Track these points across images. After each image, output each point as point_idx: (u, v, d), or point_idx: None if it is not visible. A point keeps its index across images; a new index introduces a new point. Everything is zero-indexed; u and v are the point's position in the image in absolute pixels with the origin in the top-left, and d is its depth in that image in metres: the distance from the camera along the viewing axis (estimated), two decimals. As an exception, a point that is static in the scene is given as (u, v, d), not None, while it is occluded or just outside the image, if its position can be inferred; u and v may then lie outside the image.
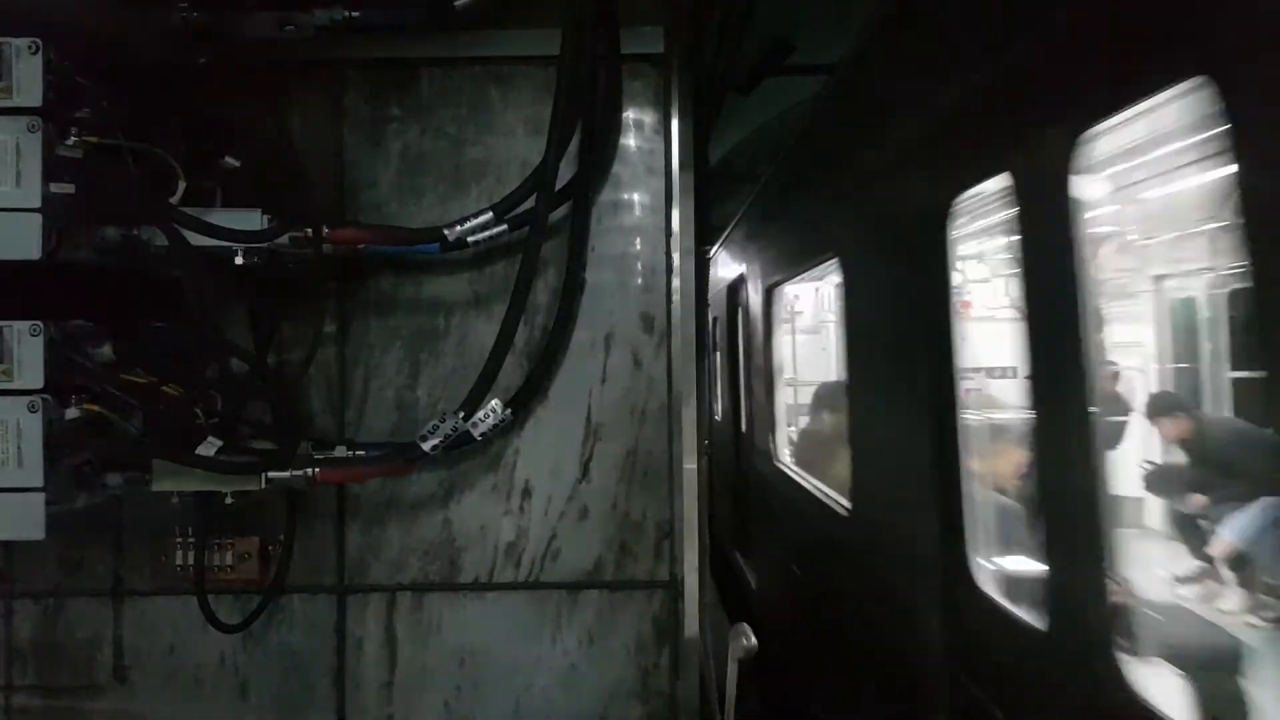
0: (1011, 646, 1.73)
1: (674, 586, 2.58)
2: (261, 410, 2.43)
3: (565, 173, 2.43)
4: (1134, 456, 4.45)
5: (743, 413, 6.06)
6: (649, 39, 2.58)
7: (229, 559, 2.50)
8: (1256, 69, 1.05)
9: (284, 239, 2.23)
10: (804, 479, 3.93)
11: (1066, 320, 1.42)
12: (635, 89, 2.62)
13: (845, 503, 2.97)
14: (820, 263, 3.40)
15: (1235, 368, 4.36)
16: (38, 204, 1.85)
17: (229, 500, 2.26)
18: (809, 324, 7.20)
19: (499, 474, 2.59)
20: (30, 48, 1.84)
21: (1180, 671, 2.32)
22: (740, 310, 5.97)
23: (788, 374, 6.09)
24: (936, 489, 2.04)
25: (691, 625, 2.56)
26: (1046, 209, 1.48)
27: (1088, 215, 1.42)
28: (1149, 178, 3.03)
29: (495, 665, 2.57)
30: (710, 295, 7.68)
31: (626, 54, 2.55)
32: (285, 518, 2.51)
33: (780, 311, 5.03)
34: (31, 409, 1.87)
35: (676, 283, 2.59)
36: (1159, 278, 4.62)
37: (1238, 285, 3.86)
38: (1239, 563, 3.54)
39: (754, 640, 2.66)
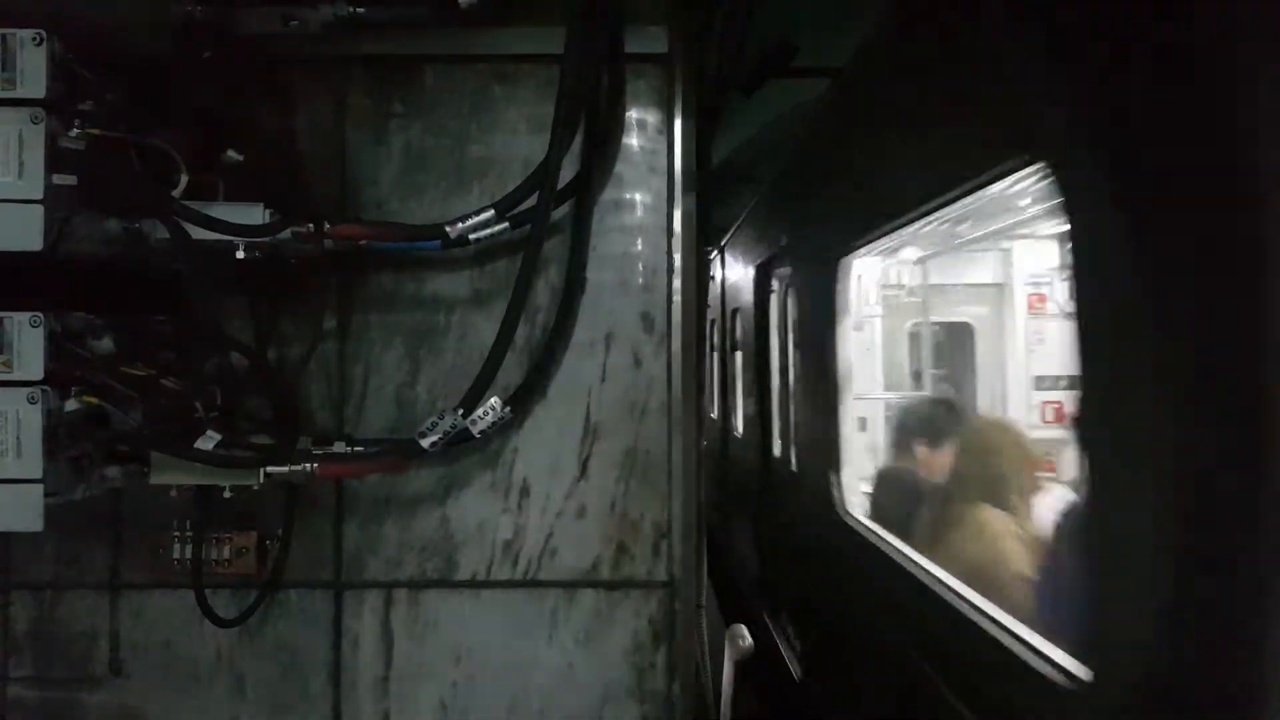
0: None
1: (672, 587, 2.58)
2: (261, 405, 2.44)
3: (567, 171, 2.44)
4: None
5: (777, 431, 4.93)
6: (653, 39, 2.58)
7: (226, 553, 2.50)
8: None
9: (285, 234, 2.23)
10: (898, 549, 2.70)
11: None
12: (638, 89, 2.62)
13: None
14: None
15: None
16: (40, 195, 1.85)
17: (227, 494, 2.26)
18: (909, 313, 5.76)
19: (497, 472, 2.59)
20: (34, 39, 1.84)
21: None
22: (778, 296, 4.79)
23: (871, 383, 5.06)
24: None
25: (688, 625, 2.56)
26: None
27: None
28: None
29: (491, 663, 2.57)
30: (728, 284, 6.84)
31: (630, 53, 2.55)
32: (283, 513, 2.51)
33: (853, 294, 3.58)
34: (31, 400, 1.87)
35: (677, 283, 2.59)
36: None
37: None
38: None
39: (750, 641, 2.67)
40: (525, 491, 2.59)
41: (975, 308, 5.92)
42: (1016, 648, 1.72)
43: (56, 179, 1.87)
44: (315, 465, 2.27)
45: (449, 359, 2.58)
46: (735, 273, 6.41)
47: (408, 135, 2.60)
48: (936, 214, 2.44)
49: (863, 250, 3.09)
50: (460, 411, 2.32)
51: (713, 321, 8.11)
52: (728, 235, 6.95)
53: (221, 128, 2.31)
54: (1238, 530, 1.13)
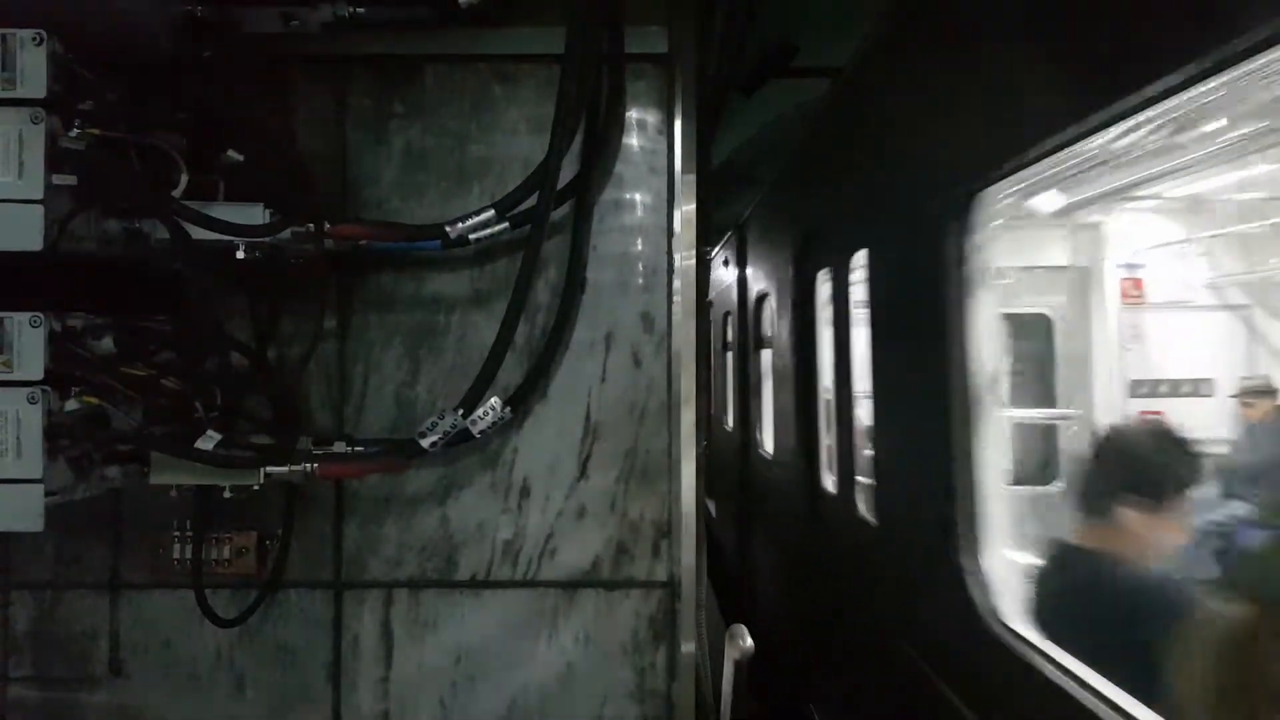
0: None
1: (671, 587, 2.58)
2: (261, 405, 2.44)
3: (567, 171, 2.44)
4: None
5: (830, 458, 3.74)
6: (653, 39, 2.58)
7: (226, 553, 2.50)
8: None
9: (285, 234, 2.23)
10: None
11: None
12: (638, 89, 2.62)
13: None
14: None
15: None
16: (40, 195, 1.85)
17: (227, 494, 2.26)
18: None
19: (497, 472, 2.59)
20: (34, 39, 1.84)
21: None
22: (835, 273, 3.50)
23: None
24: None
25: (688, 626, 2.56)
26: None
27: None
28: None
29: (491, 663, 2.57)
30: (752, 267, 5.95)
31: (630, 53, 2.55)
32: (283, 513, 2.51)
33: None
34: (31, 400, 1.87)
35: (677, 283, 2.59)
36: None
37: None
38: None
39: (750, 641, 2.67)
40: (525, 491, 2.59)
41: (1052, 296, 4.95)
42: None
43: (56, 179, 1.88)
44: (315, 465, 2.27)
45: (449, 359, 2.58)
46: (762, 253, 5.27)
47: (408, 135, 2.60)
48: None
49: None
50: (460, 411, 2.32)
51: (727, 314, 7.25)
52: (748, 211, 5.93)
53: (221, 128, 2.31)
54: None
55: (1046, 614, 2.02)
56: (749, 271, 6.06)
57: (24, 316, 1.89)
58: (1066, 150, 1.75)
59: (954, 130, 2.25)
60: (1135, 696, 1.52)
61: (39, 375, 1.89)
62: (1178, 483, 2.28)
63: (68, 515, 2.05)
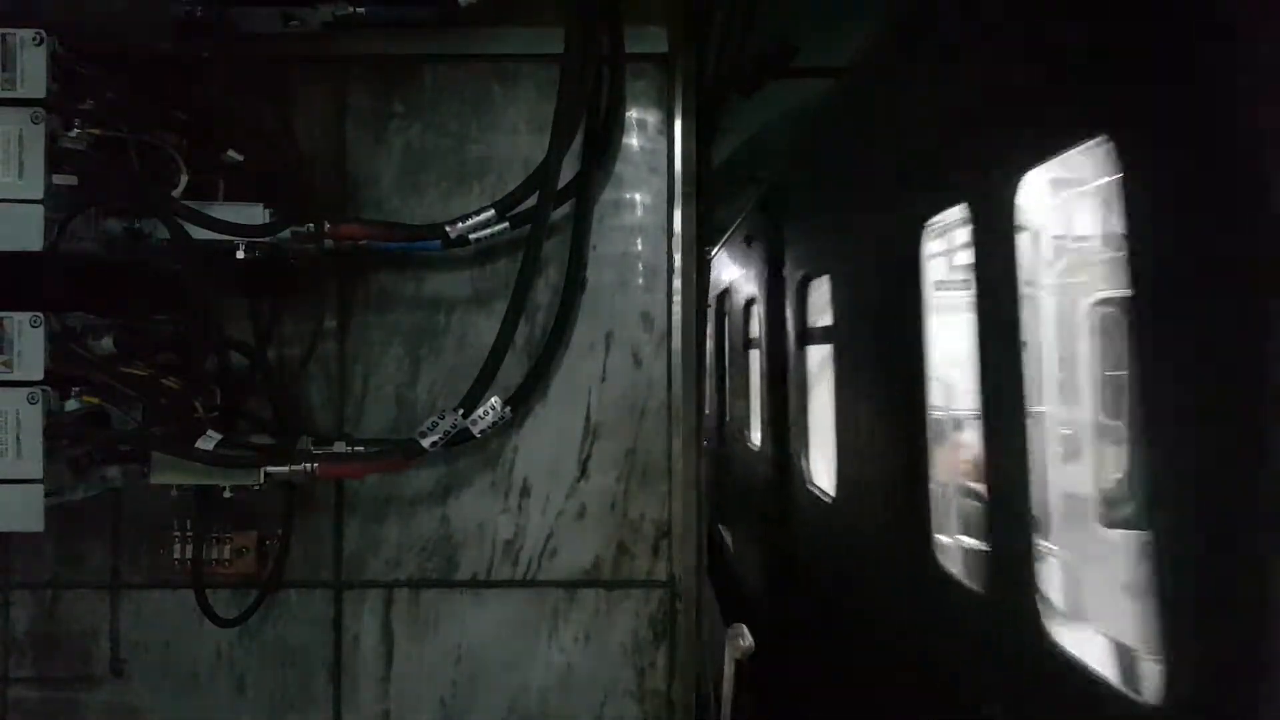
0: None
1: (671, 586, 2.58)
2: (261, 405, 2.44)
3: (567, 171, 2.44)
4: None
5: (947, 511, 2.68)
6: (653, 39, 2.58)
7: (226, 553, 2.50)
8: None
9: (285, 233, 2.23)
10: None
11: None
12: (638, 89, 2.62)
13: None
14: None
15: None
16: (40, 195, 1.85)
17: (228, 494, 2.26)
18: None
19: (497, 471, 2.59)
20: (34, 39, 1.84)
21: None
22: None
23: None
24: None
25: (688, 625, 2.56)
26: None
27: None
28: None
29: (492, 663, 2.57)
30: (795, 242, 4.66)
31: (630, 53, 2.55)
32: (283, 513, 2.51)
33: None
34: (31, 400, 1.87)
35: (677, 283, 2.59)
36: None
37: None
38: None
39: (750, 640, 2.67)
40: (525, 491, 2.59)
41: None
42: None
43: (57, 179, 1.88)
44: (315, 465, 2.27)
45: (449, 359, 2.58)
46: (811, 223, 4.16)
47: (408, 135, 2.60)
48: None
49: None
50: (460, 411, 2.32)
51: (749, 303, 6.00)
52: (776, 177, 4.76)
53: (221, 127, 2.31)
54: None
55: None
56: (788, 250, 4.64)
57: (24, 316, 1.88)
58: None
59: None
60: None
61: (39, 375, 1.89)
62: None
63: (68, 515, 2.06)
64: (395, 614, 2.58)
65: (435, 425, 2.31)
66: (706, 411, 7.46)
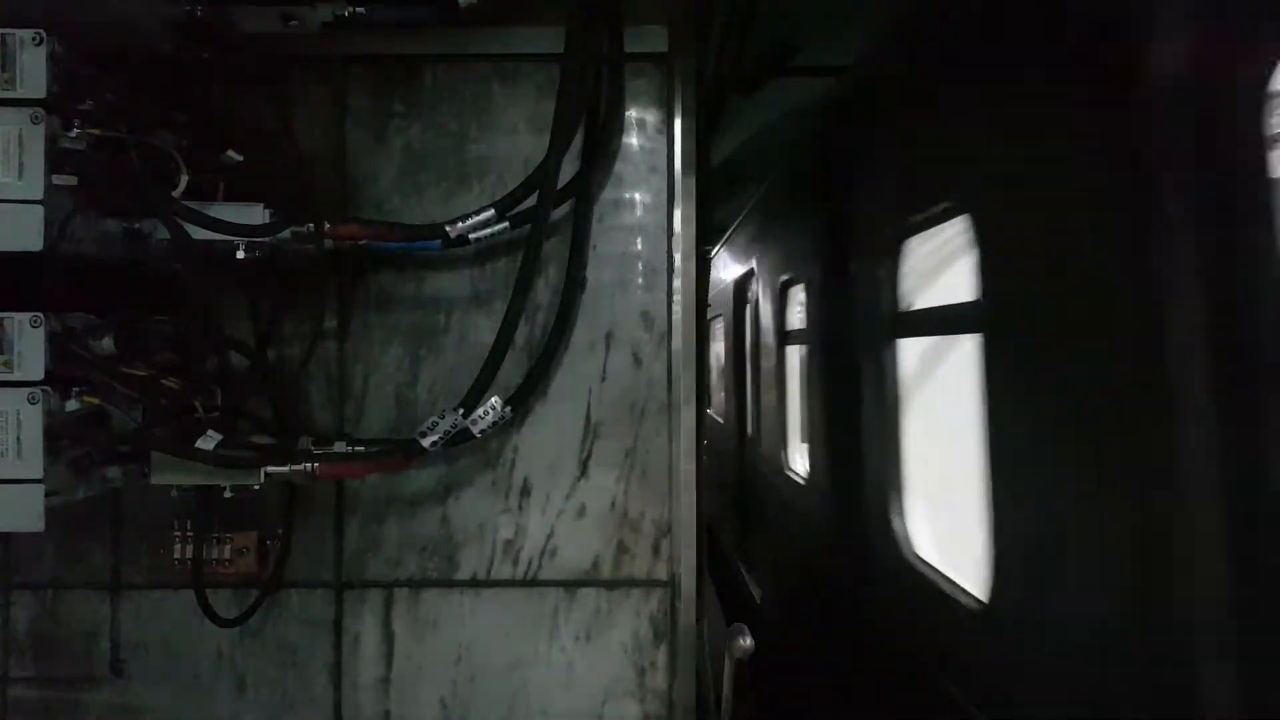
0: None
1: (672, 585, 2.58)
2: (261, 405, 2.44)
3: (567, 171, 2.44)
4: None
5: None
6: (652, 38, 2.58)
7: (227, 553, 2.50)
8: None
9: (285, 234, 2.23)
10: None
11: None
12: (638, 88, 2.62)
13: None
14: None
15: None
16: (40, 196, 1.85)
17: (228, 494, 2.26)
18: None
19: (498, 471, 2.59)
20: (34, 39, 1.84)
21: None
22: None
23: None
24: None
25: (689, 624, 2.56)
26: None
27: None
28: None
29: (492, 662, 2.58)
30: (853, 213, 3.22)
31: (630, 53, 2.55)
32: (283, 513, 2.51)
33: None
34: (32, 401, 1.87)
35: (678, 282, 2.59)
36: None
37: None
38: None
39: (751, 640, 2.67)
40: (525, 491, 2.59)
41: None
42: None
43: (57, 179, 1.87)
44: (316, 465, 2.27)
45: (449, 358, 2.59)
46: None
47: (408, 135, 2.60)
48: None
49: None
50: (461, 411, 2.32)
51: (785, 285, 4.47)
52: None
53: (221, 128, 2.31)
54: None
55: None
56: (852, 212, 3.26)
57: (24, 317, 1.88)
58: None
59: None
60: None
61: (39, 376, 1.88)
62: None
63: (68, 515, 2.06)
64: (396, 614, 2.59)
65: (435, 425, 2.32)
66: (720, 422, 7.24)
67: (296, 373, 2.54)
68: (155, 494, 2.27)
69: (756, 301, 5.64)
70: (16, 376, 1.88)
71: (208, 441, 2.16)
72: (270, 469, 2.23)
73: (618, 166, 2.62)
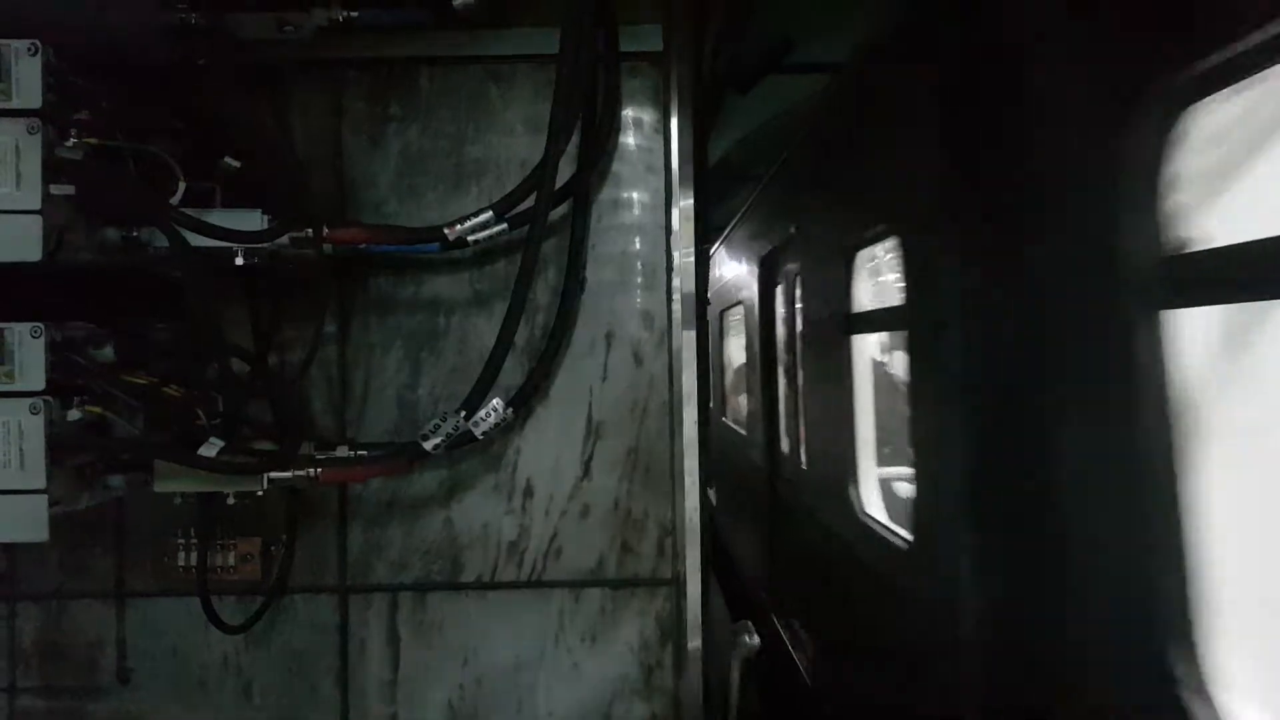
0: None
1: (677, 584, 2.58)
2: (262, 411, 2.44)
3: (565, 171, 2.43)
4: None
5: None
6: (648, 37, 2.58)
7: (231, 560, 2.50)
8: None
9: (284, 239, 2.22)
10: None
11: None
12: (634, 87, 2.62)
13: None
14: None
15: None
16: (38, 205, 1.85)
17: (231, 501, 2.26)
18: None
19: (500, 473, 2.59)
20: (29, 49, 1.84)
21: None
22: None
23: None
24: None
25: (694, 623, 2.56)
26: None
27: None
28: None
29: (498, 664, 2.58)
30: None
31: (626, 52, 2.54)
32: (287, 518, 2.51)
33: None
34: (33, 411, 1.87)
35: (677, 281, 2.59)
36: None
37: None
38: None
39: (756, 638, 2.67)
40: (529, 492, 2.59)
41: None
42: None
43: (54, 189, 1.87)
44: (318, 470, 2.27)
45: (450, 361, 2.58)
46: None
47: (405, 138, 2.60)
48: None
49: None
50: (462, 413, 2.32)
51: (856, 246, 3.34)
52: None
53: (218, 134, 2.31)
54: None
55: None
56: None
57: (24, 327, 1.88)
58: None
59: None
60: None
61: (40, 385, 1.88)
62: None
63: (72, 525, 2.05)
64: (401, 618, 2.59)
65: (437, 428, 2.31)
66: (742, 433, 6.79)
67: (297, 377, 2.53)
68: (158, 502, 2.27)
69: (796, 278, 4.41)
70: (18, 387, 1.88)
71: (210, 448, 2.16)
72: (273, 475, 2.23)
73: (615, 166, 2.62)
